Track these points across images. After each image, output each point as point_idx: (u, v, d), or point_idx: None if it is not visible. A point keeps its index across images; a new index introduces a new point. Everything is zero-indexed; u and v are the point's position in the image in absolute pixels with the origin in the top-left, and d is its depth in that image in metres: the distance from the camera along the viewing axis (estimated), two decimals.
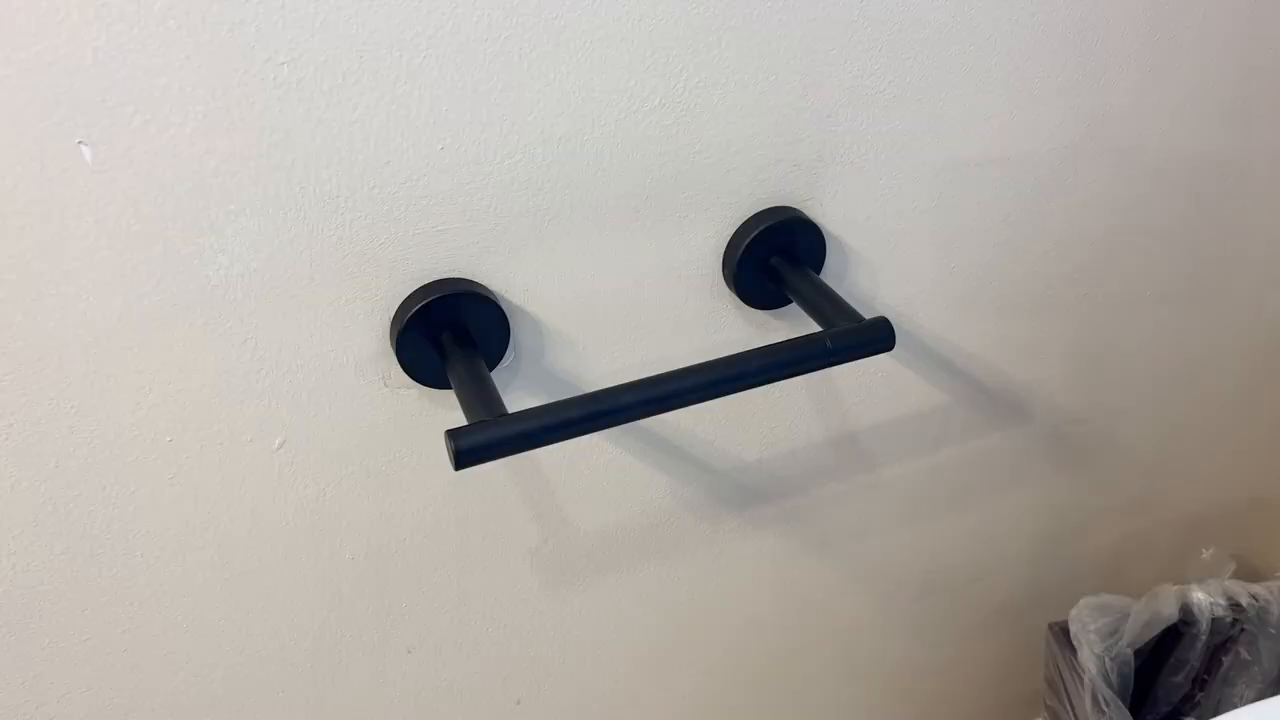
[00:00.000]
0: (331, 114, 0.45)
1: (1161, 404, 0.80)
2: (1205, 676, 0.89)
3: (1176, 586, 0.85)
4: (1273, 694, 0.84)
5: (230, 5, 0.41)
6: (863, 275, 0.62)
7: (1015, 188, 0.62)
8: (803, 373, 0.51)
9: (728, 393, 0.49)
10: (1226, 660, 0.88)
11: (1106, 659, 0.81)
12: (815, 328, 0.52)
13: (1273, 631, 0.85)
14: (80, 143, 0.42)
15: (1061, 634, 0.86)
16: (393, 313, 0.52)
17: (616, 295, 0.56)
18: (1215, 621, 0.85)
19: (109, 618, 0.56)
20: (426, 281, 0.51)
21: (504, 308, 0.53)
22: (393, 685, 0.67)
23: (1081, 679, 0.82)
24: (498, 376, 0.56)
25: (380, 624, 0.64)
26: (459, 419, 0.47)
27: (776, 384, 0.64)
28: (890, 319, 0.51)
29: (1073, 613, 0.84)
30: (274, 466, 0.55)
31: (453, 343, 0.51)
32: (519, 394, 0.57)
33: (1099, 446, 0.80)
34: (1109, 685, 0.80)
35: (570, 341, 0.57)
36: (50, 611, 0.55)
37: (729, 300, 0.59)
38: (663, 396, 0.48)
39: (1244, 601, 0.85)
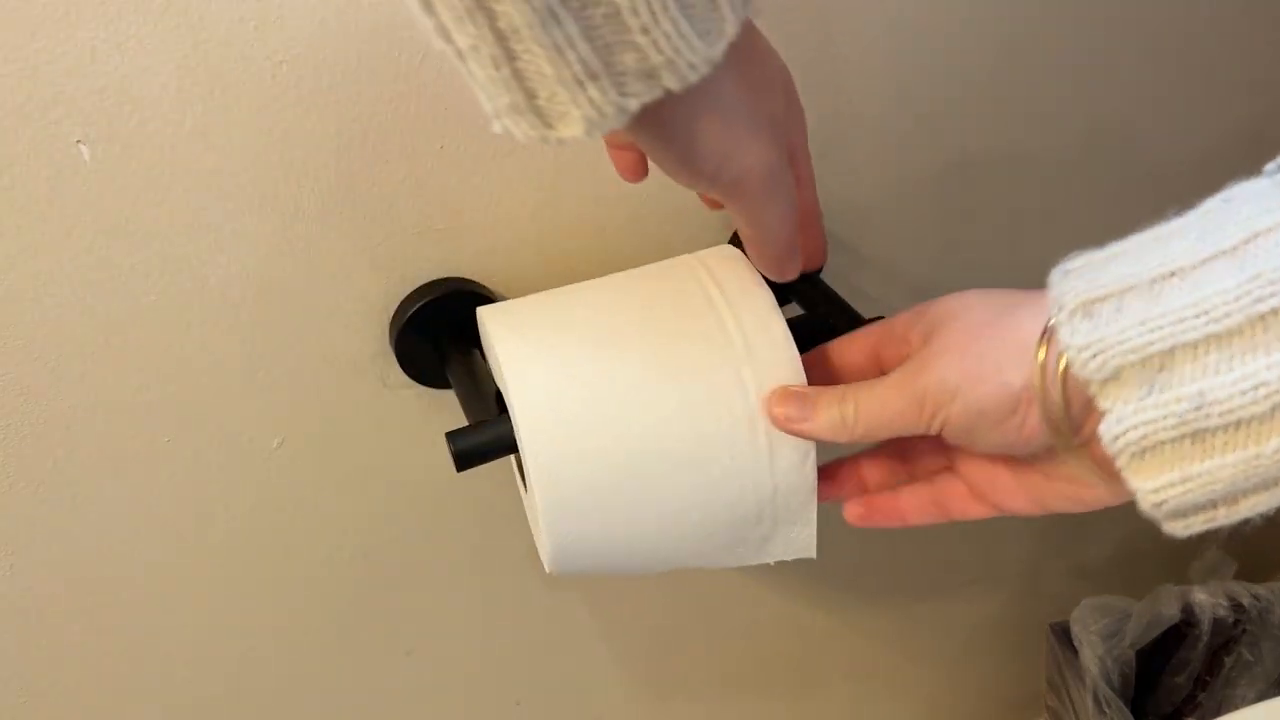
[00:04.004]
0: (331, 113, 0.45)
1: None
2: (1207, 677, 0.89)
3: (1178, 587, 0.85)
4: (1275, 695, 0.84)
5: (230, 4, 0.41)
6: (863, 275, 0.61)
7: (1017, 187, 0.62)
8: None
9: None
10: (1228, 661, 0.87)
11: (1108, 660, 0.81)
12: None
13: (1275, 632, 0.85)
14: (79, 142, 0.42)
15: (1062, 634, 0.86)
16: (392, 312, 0.52)
17: None
18: (1217, 622, 0.85)
19: (108, 618, 0.56)
20: (426, 281, 0.51)
21: None
22: (392, 686, 0.67)
23: (1083, 680, 0.82)
24: None
25: (380, 624, 0.64)
26: (459, 419, 0.47)
27: None
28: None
29: (1074, 613, 0.84)
30: (273, 466, 0.55)
31: (452, 342, 0.51)
32: None
33: None
34: (1110, 686, 0.80)
35: None
36: (50, 611, 0.55)
37: None
38: None
39: (1246, 602, 0.85)
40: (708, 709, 0.82)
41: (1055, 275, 0.32)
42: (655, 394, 0.41)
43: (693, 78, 0.26)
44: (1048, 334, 0.31)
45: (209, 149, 0.44)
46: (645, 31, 0.25)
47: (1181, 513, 0.30)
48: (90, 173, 0.43)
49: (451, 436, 0.43)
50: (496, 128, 0.27)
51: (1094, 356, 0.29)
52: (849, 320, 0.52)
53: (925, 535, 0.79)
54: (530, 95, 0.26)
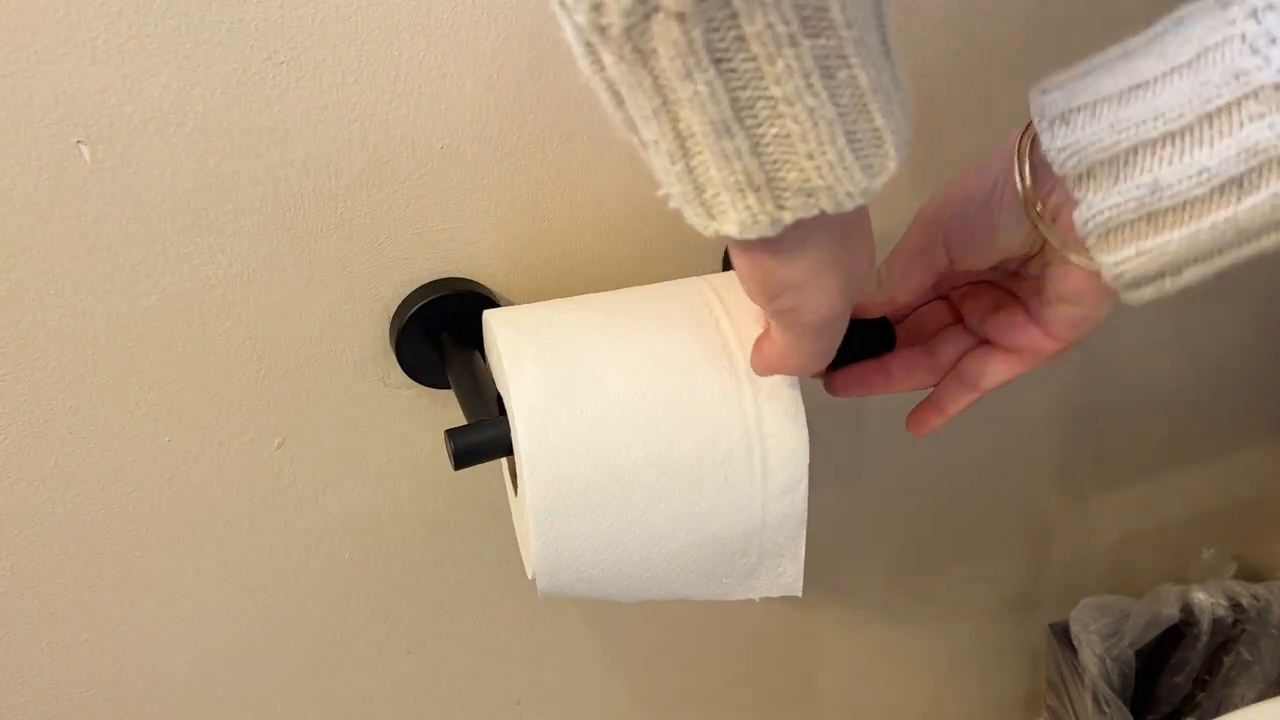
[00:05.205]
0: (331, 114, 0.45)
1: (1163, 404, 0.80)
2: (1206, 677, 0.89)
3: (1177, 587, 0.85)
4: (1274, 694, 0.84)
5: (230, 5, 0.41)
6: None
7: None
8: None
9: None
10: (1228, 661, 0.88)
11: (1107, 659, 0.81)
12: None
13: (1274, 632, 0.85)
14: (79, 142, 0.42)
15: (1062, 634, 0.86)
16: (392, 312, 0.52)
17: None
18: (1216, 622, 0.85)
19: (108, 618, 0.56)
20: (426, 281, 0.51)
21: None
22: (392, 685, 0.67)
23: (1082, 679, 0.82)
24: None
25: (379, 624, 0.64)
26: (458, 418, 0.47)
27: None
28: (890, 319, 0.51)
29: (1073, 613, 0.84)
30: (273, 466, 0.55)
31: (452, 342, 0.51)
32: None
33: (1099, 446, 0.80)
34: (1110, 686, 0.80)
35: None
36: (50, 611, 0.55)
37: None
38: None
39: (1245, 602, 0.85)
40: (706, 708, 0.82)
41: (1032, 94, 0.36)
42: (653, 407, 0.41)
43: (849, 205, 0.28)
44: (1026, 132, 0.37)
45: (209, 149, 0.44)
46: (811, 157, 0.27)
47: (1136, 283, 0.36)
48: (90, 173, 0.43)
49: (451, 434, 0.43)
50: (671, 204, 0.29)
51: (1070, 156, 0.34)
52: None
53: (924, 535, 0.79)
54: (699, 189, 0.28)
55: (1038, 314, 0.42)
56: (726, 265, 0.57)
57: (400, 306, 0.51)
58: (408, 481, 0.58)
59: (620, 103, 0.27)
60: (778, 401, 0.42)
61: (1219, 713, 0.87)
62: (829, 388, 0.46)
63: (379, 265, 0.50)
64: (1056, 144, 0.34)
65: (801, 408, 0.42)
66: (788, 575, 0.45)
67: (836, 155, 0.27)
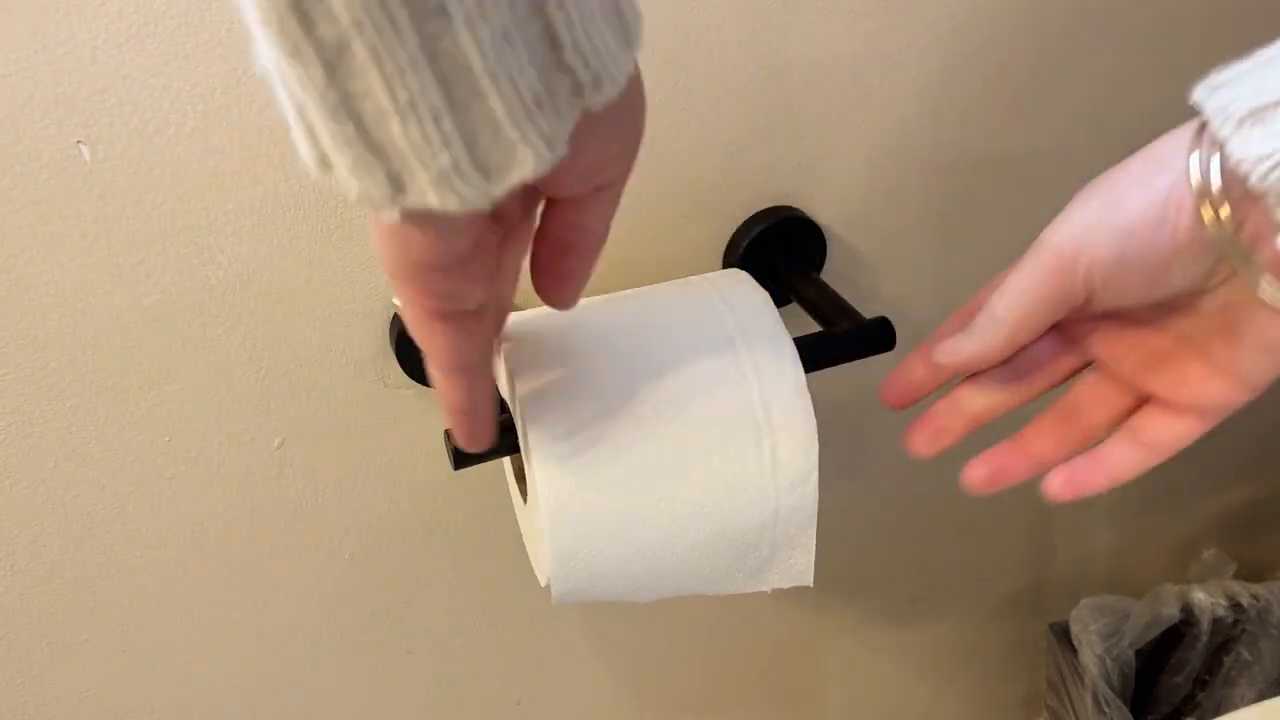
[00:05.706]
0: None
1: None
2: (1206, 677, 0.89)
3: (1177, 587, 0.85)
4: (1274, 694, 0.84)
5: (230, 5, 0.41)
6: (863, 275, 0.61)
7: (1016, 186, 0.62)
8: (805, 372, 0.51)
9: None
10: (1228, 661, 0.88)
11: (1107, 660, 0.81)
12: (815, 327, 0.52)
13: (1274, 632, 0.85)
14: (79, 142, 0.42)
15: (1062, 634, 0.86)
16: (391, 312, 0.52)
17: None
18: (1216, 622, 0.85)
19: (108, 618, 0.56)
20: None
21: None
22: (392, 685, 0.67)
23: (1082, 680, 0.82)
24: None
25: (379, 624, 0.64)
26: None
27: None
28: (891, 319, 0.51)
29: (1073, 613, 0.84)
30: (273, 466, 0.55)
31: None
32: None
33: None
34: (1110, 686, 0.80)
35: None
36: (49, 612, 0.55)
37: None
38: None
39: (1245, 602, 0.85)
40: (706, 709, 0.82)
41: (1201, 91, 0.29)
42: (661, 405, 0.41)
43: (613, 93, 0.25)
44: (1201, 137, 0.29)
45: (209, 149, 0.44)
46: (576, 46, 0.23)
47: None
48: (90, 173, 0.43)
49: (450, 434, 0.43)
50: (390, 215, 0.24)
51: (1276, 167, 0.27)
52: (849, 320, 0.52)
53: (924, 535, 0.79)
54: (470, 146, 0.23)
55: (1222, 361, 0.33)
56: (726, 264, 0.57)
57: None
58: (408, 481, 0.58)
59: (354, 72, 0.21)
60: (786, 394, 0.42)
61: (1219, 713, 0.87)
62: (966, 481, 0.41)
63: (378, 265, 0.50)
64: (1254, 150, 0.27)
65: (809, 399, 0.42)
66: (799, 566, 0.45)
67: (600, 38, 0.24)
